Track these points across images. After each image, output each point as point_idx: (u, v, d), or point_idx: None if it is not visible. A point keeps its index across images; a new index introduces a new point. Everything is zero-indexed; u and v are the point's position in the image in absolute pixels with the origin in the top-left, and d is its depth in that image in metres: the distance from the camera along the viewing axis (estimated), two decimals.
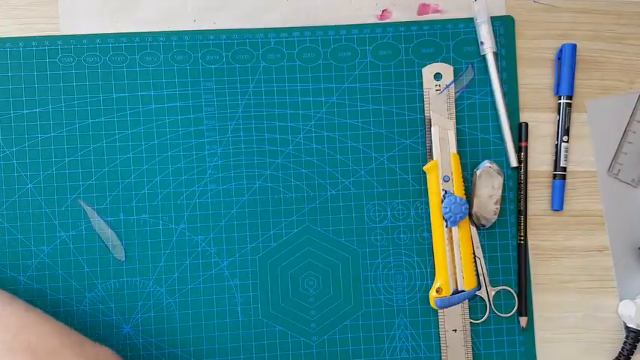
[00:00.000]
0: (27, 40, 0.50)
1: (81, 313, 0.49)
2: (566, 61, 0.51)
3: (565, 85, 0.51)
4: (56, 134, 0.50)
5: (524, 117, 0.52)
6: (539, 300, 0.51)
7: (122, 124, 0.50)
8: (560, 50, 0.51)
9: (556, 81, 0.52)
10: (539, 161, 0.52)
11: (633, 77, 0.52)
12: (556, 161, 0.51)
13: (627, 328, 0.50)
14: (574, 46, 0.51)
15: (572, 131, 0.51)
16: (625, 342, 0.50)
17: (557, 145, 0.51)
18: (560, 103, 0.51)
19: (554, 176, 0.51)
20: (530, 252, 0.51)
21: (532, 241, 0.51)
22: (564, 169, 0.51)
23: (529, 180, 0.51)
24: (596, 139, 0.52)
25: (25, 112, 0.50)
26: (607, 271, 0.51)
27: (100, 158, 0.50)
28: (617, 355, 0.50)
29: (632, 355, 0.50)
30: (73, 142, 0.50)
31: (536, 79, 0.52)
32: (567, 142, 0.51)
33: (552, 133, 0.52)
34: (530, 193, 0.51)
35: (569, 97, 0.51)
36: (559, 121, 0.51)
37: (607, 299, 0.51)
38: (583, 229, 0.51)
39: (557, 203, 0.51)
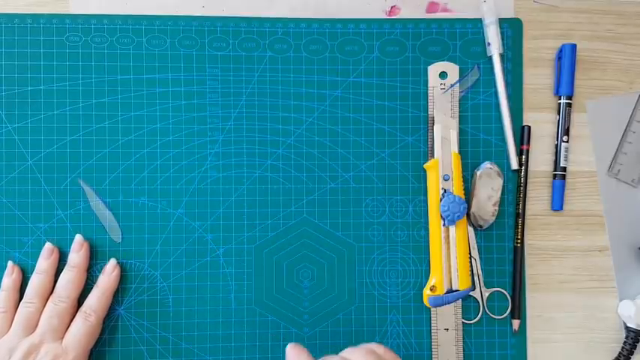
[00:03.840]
0: (35, 17, 0.50)
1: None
2: (566, 61, 0.51)
3: (565, 85, 0.51)
4: (59, 112, 0.50)
5: (524, 117, 0.52)
6: (539, 300, 0.51)
7: (125, 106, 0.50)
8: (560, 50, 0.51)
9: (556, 81, 0.52)
10: (539, 161, 0.52)
11: (633, 77, 0.52)
12: (556, 161, 0.51)
13: (627, 328, 0.50)
14: (574, 46, 0.51)
15: (572, 131, 0.51)
16: (625, 342, 0.50)
17: (557, 145, 0.51)
18: (560, 103, 0.51)
19: (554, 176, 0.51)
20: (530, 252, 0.51)
21: (532, 241, 0.51)
22: (564, 169, 0.51)
23: (529, 180, 0.51)
24: (596, 139, 0.52)
25: (29, 89, 0.50)
26: (607, 271, 0.51)
27: (102, 139, 0.50)
28: (617, 355, 0.51)
29: (632, 355, 0.50)
30: (75, 122, 0.50)
31: (536, 79, 0.52)
32: (567, 142, 0.51)
33: (552, 134, 0.52)
34: (530, 193, 0.51)
35: (569, 97, 0.51)
36: (559, 121, 0.51)
37: (607, 299, 0.51)
38: (583, 229, 0.51)
39: (557, 203, 0.51)
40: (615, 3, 0.53)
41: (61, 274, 0.48)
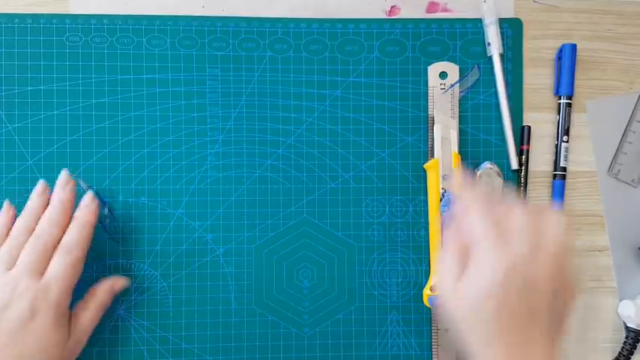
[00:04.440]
0: (35, 17, 0.50)
1: (74, 293, 0.49)
2: (566, 61, 0.51)
3: (565, 85, 0.51)
4: (59, 112, 0.50)
5: (524, 117, 0.52)
6: None
7: (125, 106, 0.50)
8: (560, 50, 0.51)
9: (556, 81, 0.52)
10: (539, 161, 0.52)
11: (633, 77, 0.52)
12: (556, 161, 0.51)
13: (627, 328, 0.50)
14: (574, 46, 0.51)
15: (572, 131, 0.51)
16: (625, 342, 0.50)
17: (557, 145, 0.51)
18: (560, 103, 0.51)
19: (554, 176, 0.51)
20: None
21: None
22: (564, 169, 0.51)
23: (529, 180, 0.51)
24: (596, 139, 0.52)
25: (29, 89, 0.50)
26: (607, 271, 0.51)
27: (102, 139, 0.50)
28: (617, 355, 0.50)
29: (632, 355, 0.50)
30: (75, 122, 0.50)
31: (536, 79, 0.52)
32: (567, 142, 0.51)
33: (552, 134, 0.52)
34: (530, 193, 0.51)
35: (569, 97, 0.51)
36: (559, 121, 0.51)
37: (607, 299, 0.51)
38: (583, 229, 0.51)
39: (557, 203, 0.51)
40: (615, 3, 0.53)
41: (45, 211, 0.45)
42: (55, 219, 0.45)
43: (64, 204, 0.45)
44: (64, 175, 0.46)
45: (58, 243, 0.44)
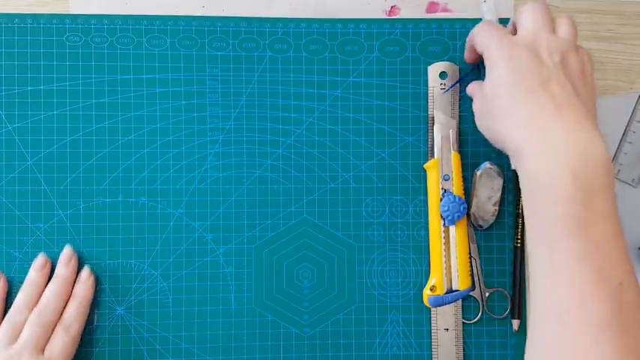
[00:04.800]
0: (35, 17, 0.50)
1: None
2: None
3: None
4: (59, 112, 0.50)
5: None
6: None
7: (125, 106, 0.50)
8: None
9: None
10: None
11: (633, 77, 0.52)
12: None
13: None
14: None
15: None
16: None
17: None
18: None
19: None
20: None
21: None
22: None
23: None
24: None
25: (29, 89, 0.50)
26: None
27: (102, 139, 0.50)
28: None
29: None
30: (75, 122, 0.50)
31: None
32: None
33: None
34: None
35: None
36: None
37: None
38: None
39: None
40: (615, 3, 0.53)
41: (48, 285, 0.47)
42: (59, 295, 0.46)
43: (67, 280, 0.47)
44: (67, 252, 0.48)
45: (59, 317, 0.46)
